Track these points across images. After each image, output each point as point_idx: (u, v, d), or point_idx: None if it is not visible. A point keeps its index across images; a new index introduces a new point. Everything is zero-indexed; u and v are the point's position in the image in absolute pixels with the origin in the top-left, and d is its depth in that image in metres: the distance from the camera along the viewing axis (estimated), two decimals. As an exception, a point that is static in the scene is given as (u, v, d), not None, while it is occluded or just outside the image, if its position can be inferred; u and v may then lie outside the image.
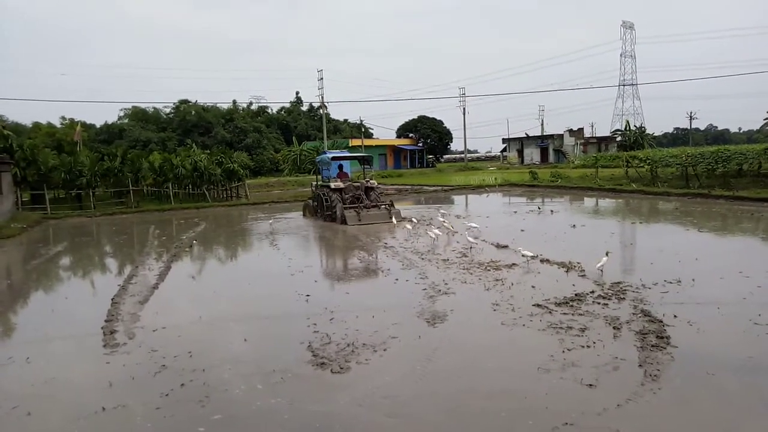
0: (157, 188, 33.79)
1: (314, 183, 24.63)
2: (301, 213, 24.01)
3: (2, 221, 21.93)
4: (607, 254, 10.87)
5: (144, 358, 7.13)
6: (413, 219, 19.06)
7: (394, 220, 19.28)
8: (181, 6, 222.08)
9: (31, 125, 55.11)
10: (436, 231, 15.47)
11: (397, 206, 21.44)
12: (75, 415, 5.72)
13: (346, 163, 23.74)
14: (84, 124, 50.53)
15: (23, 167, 28.66)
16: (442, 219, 18.19)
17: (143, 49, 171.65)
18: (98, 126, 71.09)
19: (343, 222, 19.69)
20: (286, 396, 5.88)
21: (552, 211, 22.20)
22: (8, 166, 26.32)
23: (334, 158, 22.86)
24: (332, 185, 21.17)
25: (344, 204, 20.45)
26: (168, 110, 74.71)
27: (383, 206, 20.79)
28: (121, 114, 74.25)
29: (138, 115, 72.91)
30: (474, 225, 16.75)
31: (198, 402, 5.79)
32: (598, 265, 10.58)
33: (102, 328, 8.45)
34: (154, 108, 75.02)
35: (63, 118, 56.24)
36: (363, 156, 24.33)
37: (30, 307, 11.12)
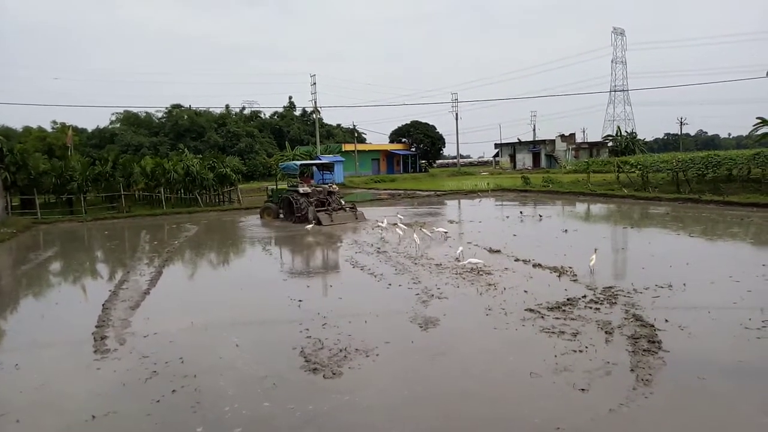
0: (149, 193, 33.54)
1: (269, 187, 27.33)
2: (259, 216, 25.34)
3: (-8, 226, 21.74)
4: (595, 251, 11.49)
5: (135, 364, 7.08)
6: (379, 221, 19.65)
7: (384, 222, 19.45)
8: (175, 11, 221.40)
9: (21, 129, 54.60)
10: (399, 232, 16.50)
11: (391, 210, 21.68)
12: (65, 422, 5.67)
13: (337, 167, 25.23)
14: (75, 129, 50.26)
15: (13, 171, 28.40)
16: (399, 222, 18.79)
17: (136, 54, 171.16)
18: (90, 130, 70.53)
19: (318, 223, 21.14)
20: (279, 401, 5.85)
21: (540, 216, 22.24)
22: (-2, 170, 26.14)
23: (302, 165, 24.41)
24: (300, 190, 22.55)
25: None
26: (160, 115, 74.34)
27: (348, 209, 22.83)
28: (113, 118, 73.67)
29: (130, 120, 72.41)
30: (442, 229, 17.10)
31: (190, 408, 5.76)
32: (591, 263, 11.02)
33: (93, 334, 8.39)
34: (146, 112, 74.52)
35: (54, 122, 55.79)
36: (324, 163, 26.76)
37: (19, 312, 11.01)
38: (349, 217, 22.22)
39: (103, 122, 76.11)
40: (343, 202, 23.41)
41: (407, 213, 25.73)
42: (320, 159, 51.30)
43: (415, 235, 15.29)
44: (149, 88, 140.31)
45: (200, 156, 39.17)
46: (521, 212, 22.98)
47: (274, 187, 26.49)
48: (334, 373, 6.51)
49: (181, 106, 74.64)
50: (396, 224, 18.27)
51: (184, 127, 69.90)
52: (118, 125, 72.05)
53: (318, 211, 21.80)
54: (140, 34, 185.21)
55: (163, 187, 32.60)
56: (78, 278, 14.63)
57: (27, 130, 52.70)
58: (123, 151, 53.25)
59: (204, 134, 68.82)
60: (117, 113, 73.35)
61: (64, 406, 6.14)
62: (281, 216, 23.37)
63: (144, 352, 7.48)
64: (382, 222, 19.00)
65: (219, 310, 9.83)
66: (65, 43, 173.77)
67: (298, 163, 25.07)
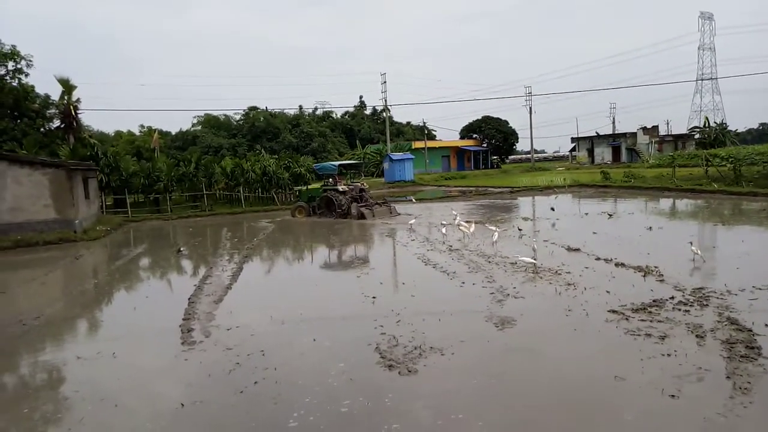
0: (229, 192, 35.05)
1: (297, 189, 30.08)
2: (292, 214, 26.28)
3: (89, 224, 23.43)
4: (691, 243, 11.73)
5: (219, 355, 7.40)
6: (443, 221, 19.02)
7: (456, 219, 19.20)
8: (249, 16, 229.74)
9: (113, 133, 58.73)
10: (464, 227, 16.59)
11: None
12: (157, 409, 6.02)
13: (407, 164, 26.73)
14: (160, 132, 53.27)
15: (107, 173, 30.54)
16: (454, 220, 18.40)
17: (215, 58, 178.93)
18: (173, 133, 74.81)
19: (361, 218, 23.10)
20: (356, 396, 5.92)
21: (607, 215, 21.23)
22: (95, 172, 28.14)
23: (340, 165, 26.86)
24: (340, 188, 24.53)
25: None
26: (238, 117, 77.69)
27: (382, 204, 24.97)
28: (195, 121, 77.93)
29: (210, 122, 76.19)
30: (494, 228, 16.25)
31: (271, 399, 5.95)
32: (698, 252, 11.51)
33: (180, 326, 8.85)
34: (225, 115, 78.22)
35: (142, 126, 59.71)
36: (353, 163, 31.67)
37: (114, 305, 11.81)
38: (385, 212, 24.17)
39: (186, 125, 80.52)
40: (372, 199, 25.54)
41: (478, 210, 25.38)
42: (391, 156, 51.68)
43: (495, 234, 14.91)
44: (228, 91, 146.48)
45: (276, 156, 40.50)
46: (604, 213, 21.96)
47: (302, 188, 29.03)
48: (409, 370, 6.51)
49: (258, 108, 77.48)
50: (470, 222, 17.97)
51: (261, 129, 72.55)
52: (199, 128, 75.95)
53: (360, 207, 23.60)
54: (221, 39, 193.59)
55: (241, 187, 33.94)
56: (165, 273, 15.51)
57: (118, 134, 56.70)
58: (204, 152, 55.89)
59: (279, 135, 71.10)
60: (198, 116, 77.39)
61: (156, 393, 6.52)
62: (312, 213, 25.14)
63: (227, 344, 7.81)
64: (454, 220, 18.72)
65: (296, 305, 10.08)
66: (150, 51, 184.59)
67: (336, 163, 27.48)
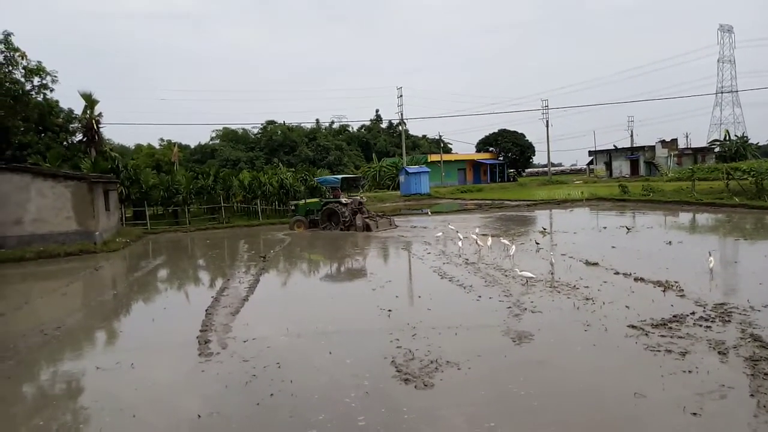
0: (247, 205, 35.33)
1: (293, 203, 29.33)
2: (290, 228, 26.18)
3: (109, 236, 23.75)
4: (710, 254, 11.77)
5: (236, 367, 7.43)
6: (460, 233, 19.05)
7: (476, 232, 19.19)
8: (270, 32, 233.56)
9: (133, 147, 59.69)
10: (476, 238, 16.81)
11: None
12: (174, 420, 6.06)
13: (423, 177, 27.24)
14: (180, 145, 54.05)
15: (127, 186, 31.01)
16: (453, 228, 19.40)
17: (234, 74, 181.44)
18: (192, 146, 75.80)
19: (366, 229, 23.75)
20: (372, 410, 5.90)
21: (626, 229, 20.97)
22: (115, 185, 28.58)
23: (342, 179, 27.17)
24: (343, 200, 25.11)
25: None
26: (256, 131, 78.51)
27: (384, 217, 25.88)
28: (213, 135, 78.95)
29: (228, 136, 77.09)
30: (506, 241, 16.45)
31: (287, 412, 5.95)
32: (710, 266, 11.46)
33: (197, 337, 8.90)
34: (243, 129, 79.12)
35: (161, 139, 60.52)
36: (355, 177, 31.18)
37: (133, 316, 11.94)
38: (386, 223, 24.96)
39: (204, 138, 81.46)
40: (370, 212, 26.32)
41: (494, 224, 25.26)
42: (407, 169, 51.79)
43: (512, 248, 14.86)
44: (246, 105, 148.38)
45: (293, 169, 40.82)
46: (623, 226, 21.76)
47: (297, 202, 28.91)
48: (425, 384, 6.48)
49: (275, 122, 78.27)
50: (486, 236, 17.93)
51: (278, 142, 73.19)
52: (217, 141, 76.87)
53: (364, 219, 24.22)
54: (237, 55, 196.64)
55: (259, 199, 34.21)
56: (183, 285, 15.65)
57: (138, 147, 57.59)
58: (222, 165, 56.57)
59: (296, 148, 71.67)
60: (217, 130, 78.38)
61: (173, 404, 6.57)
62: (311, 226, 25.41)
63: (244, 356, 7.83)
64: (473, 233, 18.70)
65: (312, 317, 10.08)
66: (168, 66, 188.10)
67: (339, 177, 27.99)
